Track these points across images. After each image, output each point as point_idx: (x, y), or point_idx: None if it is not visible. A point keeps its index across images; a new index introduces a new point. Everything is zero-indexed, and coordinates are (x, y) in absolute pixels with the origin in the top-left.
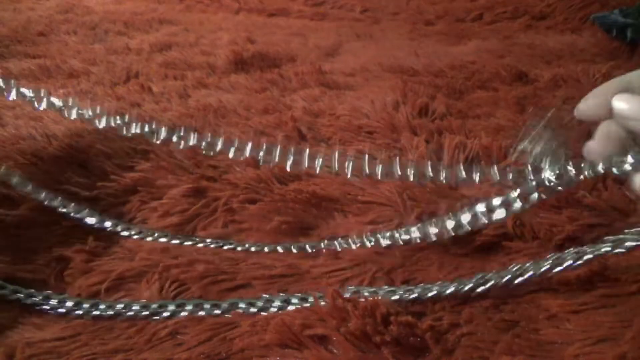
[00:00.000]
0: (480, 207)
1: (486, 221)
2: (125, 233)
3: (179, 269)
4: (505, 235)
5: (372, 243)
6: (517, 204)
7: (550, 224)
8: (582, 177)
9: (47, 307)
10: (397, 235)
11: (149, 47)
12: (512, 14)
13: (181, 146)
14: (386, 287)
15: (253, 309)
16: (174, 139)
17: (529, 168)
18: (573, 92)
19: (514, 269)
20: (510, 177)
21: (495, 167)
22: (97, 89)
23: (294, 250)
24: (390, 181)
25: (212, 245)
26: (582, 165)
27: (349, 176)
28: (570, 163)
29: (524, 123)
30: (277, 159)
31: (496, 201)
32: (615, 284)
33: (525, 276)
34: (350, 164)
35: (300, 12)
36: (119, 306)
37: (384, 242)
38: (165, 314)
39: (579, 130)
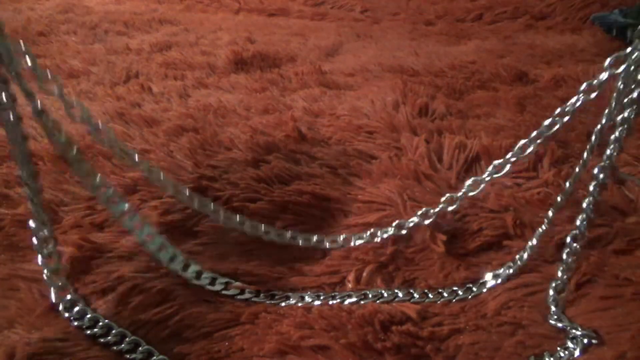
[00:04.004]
0: None
1: None
2: None
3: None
4: (505, 235)
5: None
6: None
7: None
8: None
9: None
10: None
11: (149, 47)
12: (512, 14)
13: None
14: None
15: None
16: None
17: None
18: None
19: None
20: None
21: None
22: (97, 89)
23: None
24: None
25: None
26: None
27: None
28: None
29: (524, 123)
30: None
31: None
32: (614, 281)
33: None
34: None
35: (300, 12)
36: None
37: None
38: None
39: None
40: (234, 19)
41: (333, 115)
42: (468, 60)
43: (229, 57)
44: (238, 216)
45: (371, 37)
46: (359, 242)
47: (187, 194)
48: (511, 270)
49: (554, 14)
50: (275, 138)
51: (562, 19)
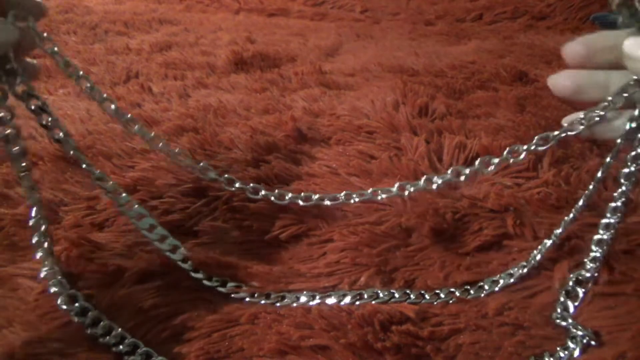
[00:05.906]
0: None
1: None
2: None
3: None
4: (505, 235)
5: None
6: None
7: (551, 224)
8: None
9: None
10: None
11: (149, 47)
12: (512, 14)
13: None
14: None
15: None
16: None
17: None
18: None
19: None
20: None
21: None
22: None
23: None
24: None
25: None
26: None
27: None
28: None
29: (524, 123)
30: None
31: None
32: (613, 281)
33: None
34: None
35: (300, 12)
36: None
37: None
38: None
39: None
40: (234, 19)
41: (333, 115)
42: (468, 60)
43: (229, 57)
44: None
45: (371, 37)
46: None
47: None
48: (525, 270)
49: (554, 14)
50: (275, 138)
51: (562, 19)
